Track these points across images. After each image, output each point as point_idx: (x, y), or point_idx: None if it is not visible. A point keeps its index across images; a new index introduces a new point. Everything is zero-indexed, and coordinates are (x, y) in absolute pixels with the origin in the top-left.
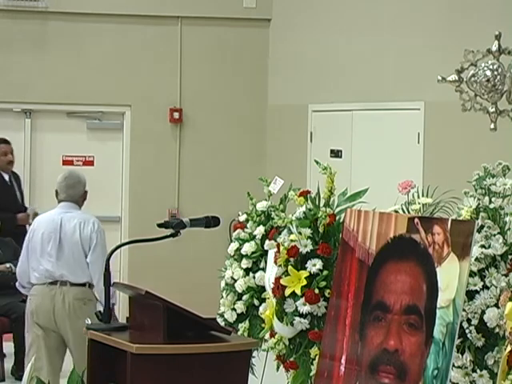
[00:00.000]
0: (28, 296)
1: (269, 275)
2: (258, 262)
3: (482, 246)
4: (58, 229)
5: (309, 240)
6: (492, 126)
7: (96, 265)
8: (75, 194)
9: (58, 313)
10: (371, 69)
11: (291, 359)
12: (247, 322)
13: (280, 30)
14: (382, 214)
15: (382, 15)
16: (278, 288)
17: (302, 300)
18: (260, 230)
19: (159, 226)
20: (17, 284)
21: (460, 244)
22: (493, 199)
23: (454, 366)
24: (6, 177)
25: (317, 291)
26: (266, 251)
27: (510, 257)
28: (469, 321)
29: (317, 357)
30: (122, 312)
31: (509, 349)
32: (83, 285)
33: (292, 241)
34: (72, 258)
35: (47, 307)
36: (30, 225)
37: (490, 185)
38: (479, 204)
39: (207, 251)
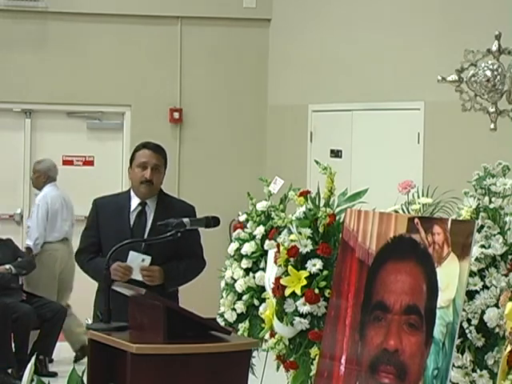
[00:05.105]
0: (48, 251)
1: (269, 275)
2: (257, 262)
3: (482, 246)
4: (66, 201)
5: (309, 240)
6: (492, 125)
7: None
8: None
9: (71, 260)
10: (371, 69)
11: (291, 359)
12: (247, 322)
13: (280, 30)
14: (382, 214)
15: (381, 15)
16: (278, 288)
17: (302, 300)
18: (260, 230)
19: (159, 225)
20: (31, 244)
21: (460, 244)
22: (493, 199)
23: (454, 365)
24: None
25: (317, 291)
26: (266, 251)
27: (510, 257)
28: (469, 321)
29: (317, 357)
30: None
31: (509, 349)
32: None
33: (292, 241)
34: (73, 221)
35: (67, 257)
36: None
37: (490, 185)
38: (479, 204)
39: (207, 251)
